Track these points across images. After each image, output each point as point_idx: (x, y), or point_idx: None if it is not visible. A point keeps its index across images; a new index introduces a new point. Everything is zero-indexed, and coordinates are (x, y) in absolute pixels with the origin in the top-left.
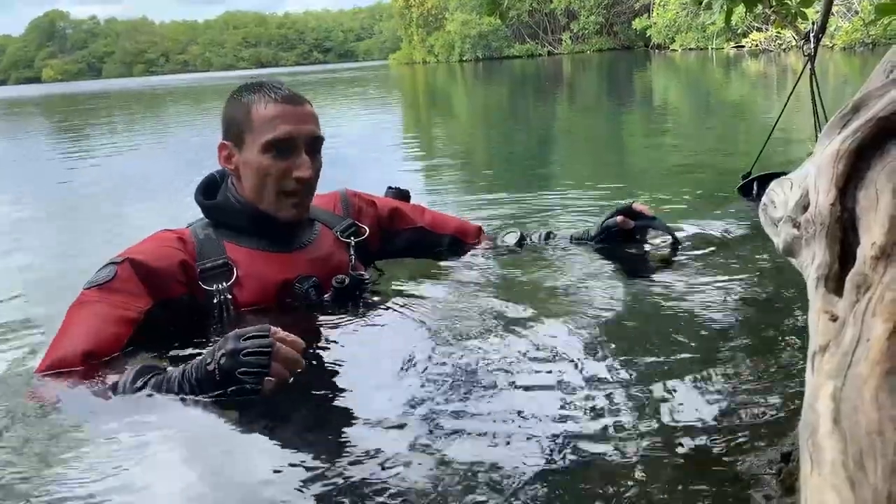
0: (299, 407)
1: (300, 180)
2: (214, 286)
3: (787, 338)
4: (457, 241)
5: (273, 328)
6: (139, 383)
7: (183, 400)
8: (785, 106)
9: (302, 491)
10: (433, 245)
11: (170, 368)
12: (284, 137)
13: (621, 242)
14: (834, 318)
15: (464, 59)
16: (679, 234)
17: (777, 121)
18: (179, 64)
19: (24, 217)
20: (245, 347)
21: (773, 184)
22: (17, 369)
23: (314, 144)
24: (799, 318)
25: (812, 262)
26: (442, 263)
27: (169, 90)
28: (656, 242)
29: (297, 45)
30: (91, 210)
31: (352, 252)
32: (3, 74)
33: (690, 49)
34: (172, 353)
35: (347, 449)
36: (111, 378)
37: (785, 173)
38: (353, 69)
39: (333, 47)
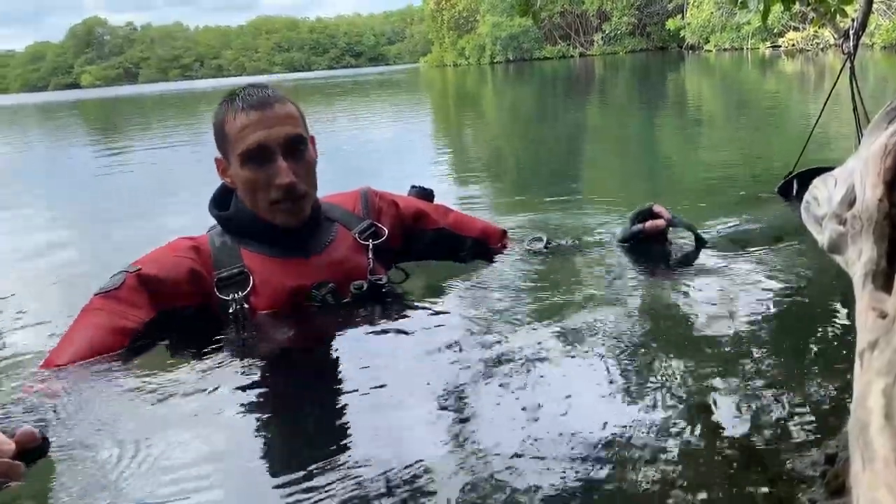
0: (311, 408)
1: (281, 187)
2: (230, 295)
3: (828, 338)
4: (480, 244)
5: None
6: None
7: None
8: (825, 105)
9: (323, 488)
10: (456, 247)
11: None
12: (255, 147)
13: (644, 242)
14: (883, 315)
15: (495, 61)
16: (711, 236)
17: (818, 119)
18: (213, 69)
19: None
20: None
21: (816, 181)
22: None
23: (292, 146)
24: (840, 317)
25: (859, 258)
26: (465, 266)
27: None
28: (680, 242)
29: (328, 50)
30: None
31: (370, 255)
32: (44, 81)
33: (725, 49)
34: (179, 358)
35: (370, 451)
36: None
37: (825, 169)
38: (385, 73)
39: (365, 51)
